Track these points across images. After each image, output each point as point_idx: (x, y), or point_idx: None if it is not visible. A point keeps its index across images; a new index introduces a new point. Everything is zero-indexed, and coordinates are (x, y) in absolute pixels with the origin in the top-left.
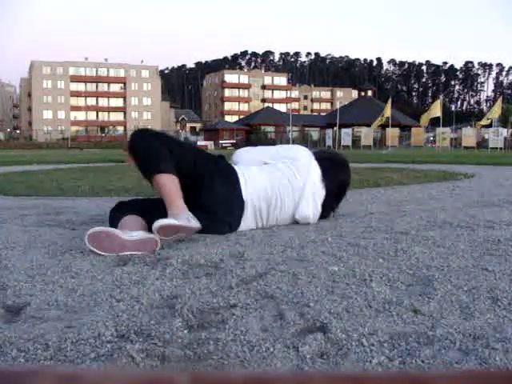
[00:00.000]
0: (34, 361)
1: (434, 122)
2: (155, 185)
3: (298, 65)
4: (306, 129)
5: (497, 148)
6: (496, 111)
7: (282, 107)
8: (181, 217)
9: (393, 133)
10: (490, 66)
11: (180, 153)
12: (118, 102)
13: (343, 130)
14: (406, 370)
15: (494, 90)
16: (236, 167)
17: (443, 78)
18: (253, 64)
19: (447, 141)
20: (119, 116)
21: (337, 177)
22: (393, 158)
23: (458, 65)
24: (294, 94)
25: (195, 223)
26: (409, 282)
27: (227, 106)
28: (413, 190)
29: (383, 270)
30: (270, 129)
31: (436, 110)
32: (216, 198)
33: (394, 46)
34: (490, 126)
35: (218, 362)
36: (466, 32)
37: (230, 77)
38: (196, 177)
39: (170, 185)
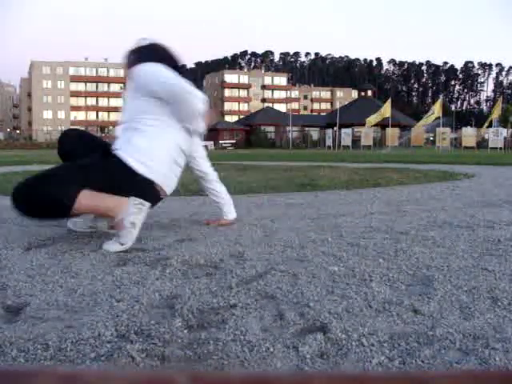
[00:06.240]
0: (33, 361)
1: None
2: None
3: (297, 65)
4: (306, 129)
5: (497, 148)
6: (495, 112)
7: (281, 107)
8: (125, 223)
9: (393, 133)
10: (490, 66)
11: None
12: (118, 102)
13: (343, 130)
14: (406, 370)
15: (493, 90)
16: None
17: (443, 78)
18: (253, 64)
19: (447, 141)
20: (119, 116)
21: None
22: (393, 158)
23: (458, 65)
24: (294, 93)
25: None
26: (409, 282)
27: (227, 106)
28: (413, 190)
29: (383, 270)
30: (270, 129)
31: (436, 110)
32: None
33: (393, 46)
34: (489, 125)
35: (217, 362)
36: (465, 32)
37: (230, 77)
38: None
39: (91, 199)
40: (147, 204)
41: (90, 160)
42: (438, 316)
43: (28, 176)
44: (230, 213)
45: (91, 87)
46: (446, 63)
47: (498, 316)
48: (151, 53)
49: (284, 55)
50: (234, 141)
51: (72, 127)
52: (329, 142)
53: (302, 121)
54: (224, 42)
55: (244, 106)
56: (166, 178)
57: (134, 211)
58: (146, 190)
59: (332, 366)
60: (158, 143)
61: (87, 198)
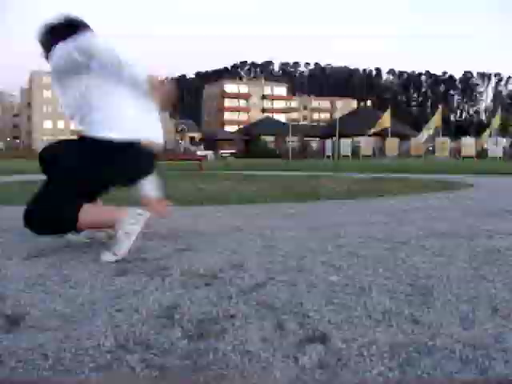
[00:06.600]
0: (33, 371)
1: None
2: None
3: (297, 75)
4: (306, 139)
5: (496, 157)
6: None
7: (281, 117)
8: (119, 233)
9: (392, 142)
10: (489, 76)
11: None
12: None
13: (343, 140)
14: (406, 380)
15: (493, 100)
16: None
17: (442, 88)
18: (252, 74)
19: (446, 150)
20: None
21: None
22: (392, 168)
23: (457, 75)
24: (294, 103)
25: (137, 224)
26: (408, 292)
27: (227, 115)
28: (412, 200)
29: (383, 279)
30: (270, 139)
31: (436, 120)
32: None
33: (393, 57)
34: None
35: (217, 373)
36: (464, 42)
37: (230, 87)
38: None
39: (95, 214)
40: (146, 214)
41: (68, 161)
42: (437, 326)
43: (31, 197)
44: (151, 191)
45: None
46: (445, 73)
47: (498, 326)
48: (67, 28)
49: (284, 65)
50: (233, 150)
51: (46, 145)
52: (328, 151)
53: (301, 131)
54: (224, 52)
55: (244, 116)
56: (146, 128)
57: (131, 221)
58: (132, 152)
59: (332, 376)
60: (113, 104)
61: (87, 214)
